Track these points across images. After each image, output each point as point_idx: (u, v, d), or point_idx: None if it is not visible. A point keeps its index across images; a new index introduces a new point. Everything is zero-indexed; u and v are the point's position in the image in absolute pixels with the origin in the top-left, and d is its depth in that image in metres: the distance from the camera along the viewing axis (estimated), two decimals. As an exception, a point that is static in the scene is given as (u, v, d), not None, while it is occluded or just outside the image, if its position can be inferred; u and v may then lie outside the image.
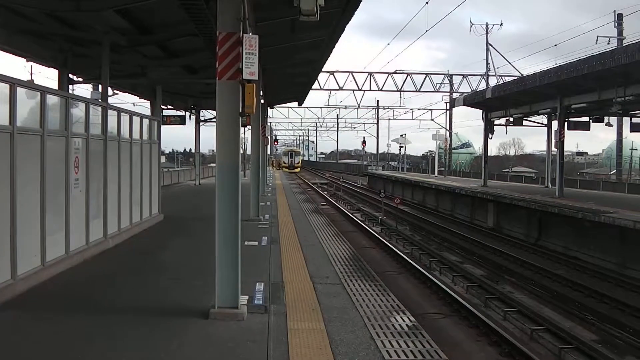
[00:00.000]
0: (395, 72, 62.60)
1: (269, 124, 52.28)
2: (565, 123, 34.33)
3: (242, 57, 10.12)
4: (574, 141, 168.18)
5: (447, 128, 72.33)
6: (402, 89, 63.58)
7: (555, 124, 37.12)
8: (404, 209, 43.63)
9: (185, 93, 37.05)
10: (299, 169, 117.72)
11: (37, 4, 15.08)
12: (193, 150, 61.98)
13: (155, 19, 17.80)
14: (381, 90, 63.05)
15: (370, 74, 62.18)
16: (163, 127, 28.87)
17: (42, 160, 12.85)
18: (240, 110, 10.42)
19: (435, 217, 41.73)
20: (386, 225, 35.55)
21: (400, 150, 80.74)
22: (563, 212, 26.33)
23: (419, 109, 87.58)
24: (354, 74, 62.00)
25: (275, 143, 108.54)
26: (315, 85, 52.42)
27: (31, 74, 43.61)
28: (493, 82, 56.50)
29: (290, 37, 22.40)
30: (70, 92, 20.21)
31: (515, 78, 44.90)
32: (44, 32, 17.81)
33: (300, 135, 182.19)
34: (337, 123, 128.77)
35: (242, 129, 15.61)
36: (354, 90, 64.83)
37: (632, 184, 49.99)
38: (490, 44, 60.57)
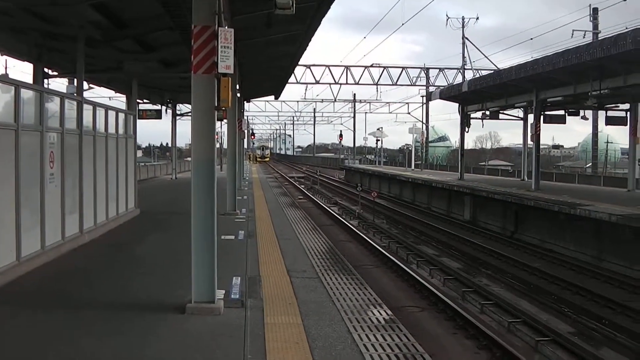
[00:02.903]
0: (371, 66, 62.89)
1: (245, 117, 52.07)
2: (541, 116, 34.50)
3: (218, 50, 10.07)
4: (550, 134, 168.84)
5: (424, 121, 72.57)
6: (378, 83, 63.94)
7: (531, 117, 37.28)
8: (381, 202, 43.68)
9: (161, 87, 36.92)
10: (268, 158, 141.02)
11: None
12: (170, 145, 61.79)
13: (130, 13, 17.70)
14: (358, 83, 63.52)
15: (347, 67, 62.45)
16: (139, 122, 28.77)
17: (16, 155, 12.73)
18: (216, 104, 10.39)
19: (412, 210, 41.82)
20: (363, 219, 35.59)
21: (377, 143, 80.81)
22: (539, 205, 26.47)
23: (395, 103, 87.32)
24: (330, 67, 62.28)
25: (252, 137, 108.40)
26: (292, 79, 52.61)
27: (5, 67, 43.41)
28: (469, 75, 56.87)
29: (266, 30, 22.34)
30: (45, 86, 20.06)
31: (492, 71, 45.16)
32: (19, 26, 17.67)
33: (277, 129, 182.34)
34: (314, 117, 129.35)
35: (218, 123, 15.54)
36: (330, 84, 65.24)
37: (607, 177, 50.36)
38: (467, 38, 60.98)
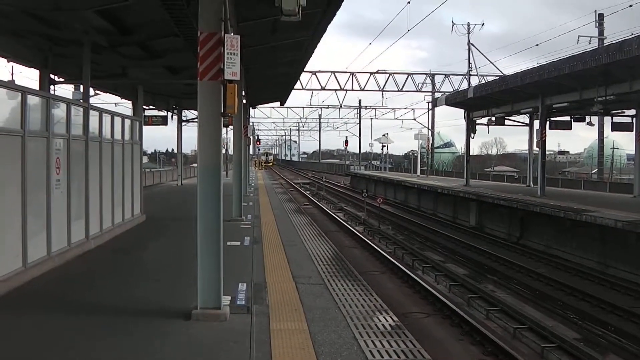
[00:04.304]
0: (377, 72, 62.87)
1: (251, 124, 52.11)
2: (547, 122, 34.49)
3: (224, 57, 10.09)
4: (556, 140, 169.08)
5: (429, 127, 72.66)
6: (384, 89, 63.90)
7: (537, 123, 37.34)
8: (387, 208, 43.65)
9: (167, 93, 36.96)
10: (271, 163, 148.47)
11: (15, 2, 14.97)
12: (175, 151, 61.81)
13: (136, 19, 17.72)
14: (363, 90, 63.28)
15: (353, 73, 62.34)
16: (145, 128, 28.77)
17: (22, 161, 12.76)
18: (222, 111, 10.41)
19: (418, 216, 41.81)
20: (369, 225, 35.58)
21: (382, 149, 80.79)
22: (545, 211, 26.43)
23: (401, 109, 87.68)
24: (336, 73, 62.18)
25: (258, 143, 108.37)
26: (298, 85, 52.46)
27: (12, 74, 43.52)
28: (475, 81, 56.81)
29: (272, 37, 22.36)
30: (52, 92, 20.11)
31: (497, 77, 45.16)
32: (25, 31, 17.70)
33: (282, 135, 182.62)
34: (320, 123, 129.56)
35: (224, 129, 15.60)
36: (336, 90, 65.06)
37: (613, 183, 50.19)
38: (472, 44, 61.08)
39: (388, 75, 62.91)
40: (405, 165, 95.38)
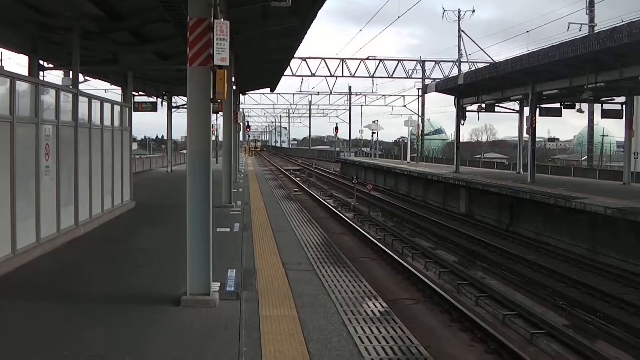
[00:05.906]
0: (367, 58, 62.80)
1: (241, 110, 51.98)
2: (537, 109, 34.56)
3: (213, 43, 10.07)
4: (546, 127, 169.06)
5: (420, 114, 72.65)
6: (374, 75, 63.77)
7: (527, 110, 37.38)
8: (377, 195, 43.59)
9: (157, 79, 36.81)
10: (259, 149, 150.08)
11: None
12: (165, 137, 61.70)
13: (126, 5, 17.64)
14: (353, 76, 63.25)
15: (343, 60, 62.32)
16: (135, 114, 28.66)
17: (11, 147, 12.71)
18: (211, 97, 10.39)
19: (408, 203, 41.80)
20: (358, 212, 35.58)
21: (372, 136, 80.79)
22: (534, 198, 26.48)
23: (391, 95, 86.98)
24: (326, 60, 62.15)
25: (248, 130, 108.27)
26: (288, 71, 52.44)
27: (1, 60, 43.37)
28: (465, 68, 56.81)
29: (262, 23, 22.30)
30: (41, 78, 20.02)
31: (488, 64, 45.10)
32: (14, 18, 17.59)
33: (272, 122, 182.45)
34: (310, 109, 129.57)
35: (213, 116, 15.56)
36: (326, 77, 65.03)
37: (603, 170, 50.40)
38: (463, 31, 61.14)
39: (378, 61, 62.91)
40: (395, 152, 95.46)
